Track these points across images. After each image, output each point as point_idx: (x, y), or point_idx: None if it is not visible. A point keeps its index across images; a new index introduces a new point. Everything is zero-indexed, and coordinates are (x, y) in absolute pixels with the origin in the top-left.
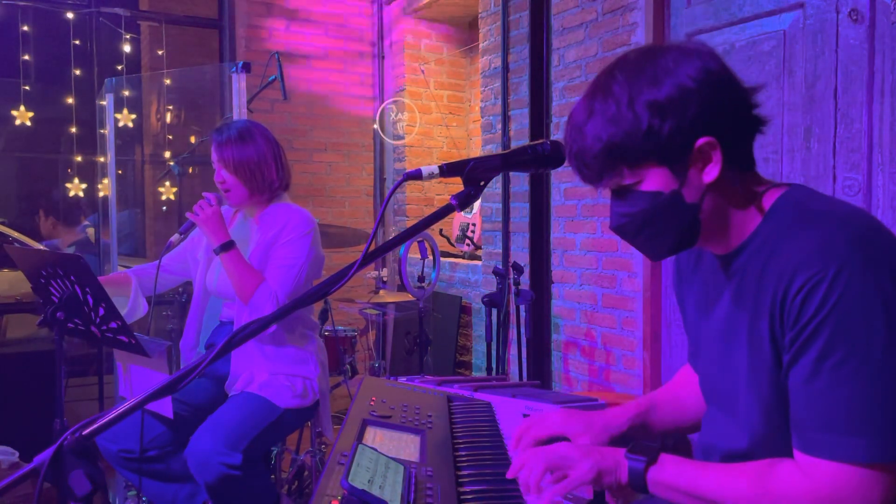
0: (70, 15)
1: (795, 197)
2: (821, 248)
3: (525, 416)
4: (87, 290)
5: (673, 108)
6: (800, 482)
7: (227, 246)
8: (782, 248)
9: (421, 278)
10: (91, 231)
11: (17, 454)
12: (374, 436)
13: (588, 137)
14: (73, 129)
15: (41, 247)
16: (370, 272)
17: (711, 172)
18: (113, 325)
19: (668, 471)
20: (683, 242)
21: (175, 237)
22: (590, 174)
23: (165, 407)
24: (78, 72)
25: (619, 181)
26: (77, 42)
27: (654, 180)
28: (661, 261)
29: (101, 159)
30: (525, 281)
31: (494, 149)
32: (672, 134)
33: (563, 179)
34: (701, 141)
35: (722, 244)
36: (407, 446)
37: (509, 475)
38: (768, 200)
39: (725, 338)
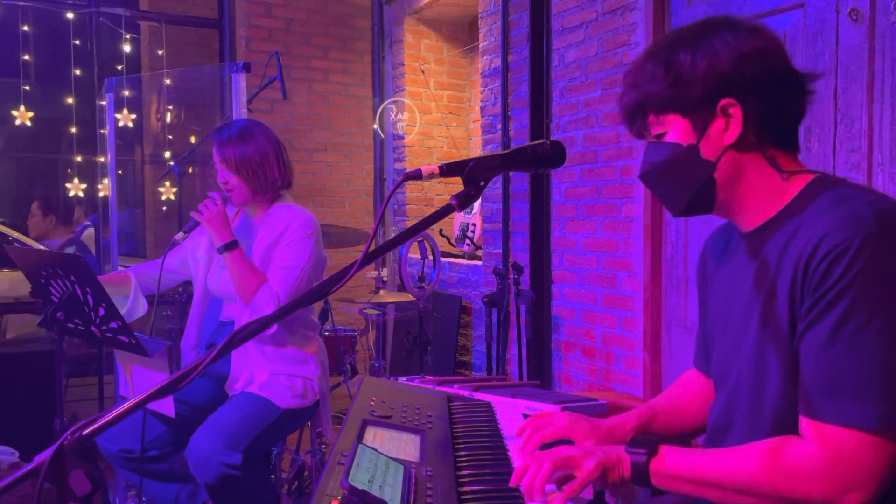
0: (70, 15)
1: (827, 182)
2: (848, 220)
3: (525, 416)
4: (87, 290)
5: (704, 65)
6: (805, 451)
7: (231, 245)
8: (807, 225)
9: (421, 278)
10: (91, 231)
11: (17, 454)
12: (374, 436)
13: (627, 86)
14: (73, 129)
15: (41, 247)
16: (370, 272)
17: (731, 134)
18: (113, 325)
19: (671, 460)
20: (698, 201)
21: (179, 235)
22: (627, 120)
23: (167, 407)
24: (78, 72)
25: (648, 130)
26: (77, 42)
27: (677, 132)
28: (660, 262)
29: (101, 159)
30: (525, 281)
31: (494, 149)
32: (695, 87)
33: (563, 179)
34: (724, 101)
35: (746, 218)
36: (407, 446)
37: (513, 483)
38: (800, 182)
39: (743, 320)
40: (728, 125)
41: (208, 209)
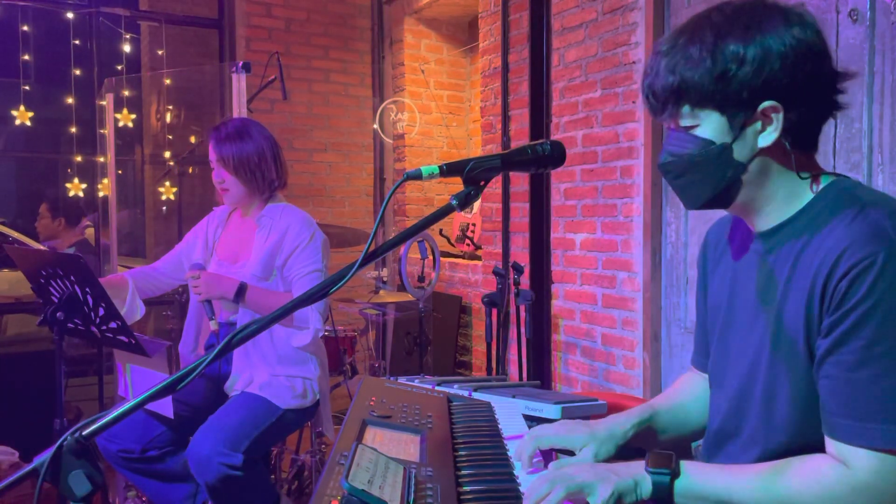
0: (70, 15)
1: (844, 185)
2: (870, 233)
3: (525, 416)
4: (87, 290)
5: (753, 63)
6: (838, 474)
7: (242, 289)
8: (826, 232)
9: (421, 278)
10: (91, 231)
11: (17, 454)
12: (373, 436)
13: (663, 68)
14: (73, 129)
15: (41, 247)
16: (370, 272)
17: (767, 138)
18: (113, 325)
19: (696, 480)
20: (719, 199)
21: (212, 324)
22: (655, 104)
23: (166, 407)
24: (78, 72)
25: (679, 120)
26: (77, 42)
27: (711, 128)
28: (660, 262)
29: (101, 159)
30: (525, 281)
31: (494, 149)
32: (742, 87)
33: (563, 179)
34: (766, 103)
35: (762, 218)
36: (407, 446)
37: None
38: (818, 185)
39: (749, 321)
40: (765, 128)
41: (199, 284)
